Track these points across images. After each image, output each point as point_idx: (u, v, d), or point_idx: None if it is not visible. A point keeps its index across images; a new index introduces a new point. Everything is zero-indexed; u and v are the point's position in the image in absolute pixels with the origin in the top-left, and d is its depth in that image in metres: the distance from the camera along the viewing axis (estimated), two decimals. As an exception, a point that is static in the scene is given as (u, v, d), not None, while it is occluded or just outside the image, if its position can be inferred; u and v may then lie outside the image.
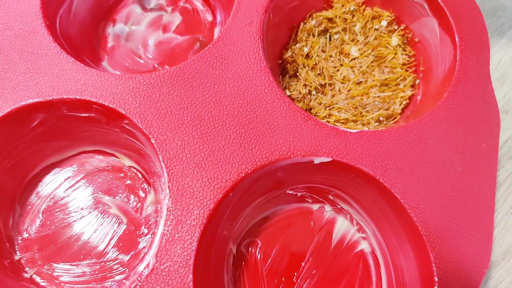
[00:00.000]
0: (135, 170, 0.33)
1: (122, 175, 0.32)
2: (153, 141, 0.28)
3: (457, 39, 0.31)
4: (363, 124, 0.33)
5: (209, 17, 0.37)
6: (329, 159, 0.28)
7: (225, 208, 0.28)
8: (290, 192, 0.31)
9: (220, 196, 0.26)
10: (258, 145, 0.28)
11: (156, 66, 0.35)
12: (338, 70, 0.34)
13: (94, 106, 0.29)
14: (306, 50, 0.35)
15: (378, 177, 0.27)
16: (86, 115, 0.30)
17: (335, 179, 0.29)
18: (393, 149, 0.28)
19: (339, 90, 0.34)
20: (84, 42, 0.34)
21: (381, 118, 0.33)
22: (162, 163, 0.27)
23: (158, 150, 0.28)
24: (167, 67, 0.29)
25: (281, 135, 0.28)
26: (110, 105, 0.28)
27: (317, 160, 0.28)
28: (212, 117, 0.28)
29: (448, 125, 0.29)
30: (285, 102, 0.29)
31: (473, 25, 0.31)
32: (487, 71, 0.30)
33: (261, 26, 0.31)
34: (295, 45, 0.35)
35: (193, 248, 0.25)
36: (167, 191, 0.27)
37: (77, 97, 0.29)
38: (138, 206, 0.32)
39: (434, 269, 0.26)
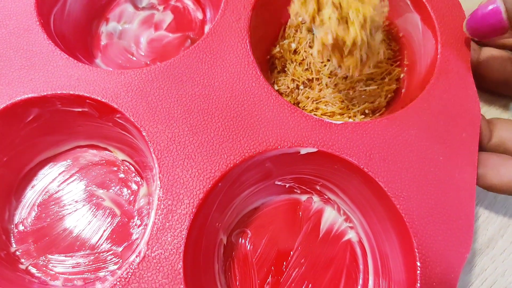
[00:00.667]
0: (128, 164, 0.33)
1: (115, 168, 0.33)
2: (144, 134, 0.29)
3: (438, 34, 0.32)
4: (349, 117, 0.34)
5: (199, 15, 0.38)
6: (314, 150, 0.29)
7: (215, 198, 0.28)
8: (279, 183, 0.32)
9: (210, 185, 0.27)
10: (246, 136, 0.29)
11: (148, 62, 0.36)
12: (325, 65, 0.35)
13: (87, 101, 0.30)
14: (293, 46, 0.36)
15: (362, 166, 0.28)
16: (80, 109, 0.31)
17: (321, 169, 0.30)
18: (377, 140, 0.29)
19: (326, 85, 0.35)
20: (77, 40, 0.35)
21: (366, 111, 0.34)
22: (153, 155, 0.28)
23: (149, 142, 0.28)
24: (158, 63, 0.30)
25: (268, 127, 0.29)
26: (103, 100, 0.29)
27: (303, 151, 0.29)
28: (201, 111, 0.29)
29: (430, 116, 0.30)
30: (272, 95, 0.30)
31: (454, 20, 0.32)
32: (468, 64, 0.31)
33: (249, 23, 0.32)
34: (283, 41, 0.36)
35: (183, 236, 0.26)
36: (158, 182, 0.27)
37: (71, 92, 0.30)
38: (131, 198, 0.32)
39: (417, 254, 0.27)
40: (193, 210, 0.27)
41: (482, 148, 0.31)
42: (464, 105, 0.30)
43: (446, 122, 0.30)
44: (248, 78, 0.30)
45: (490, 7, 0.27)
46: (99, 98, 0.29)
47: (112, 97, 0.29)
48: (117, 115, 0.30)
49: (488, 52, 0.34)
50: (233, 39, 0.31)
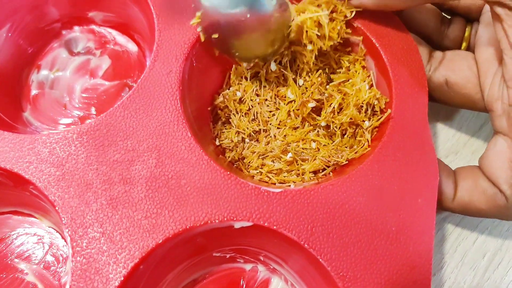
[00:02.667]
0: (54, 231, 0.30)
1: (40, 238, 0.30)
2: (57, 209, 0.25)
3: (392, 82, 0.29)
4: (297, 175, 0.30)
5: (139, 60, 0.35)
6: (249, 224, 0.25)
7: (137, 281, 0.25)
8: (217, 254, 0.29)
9: (129, 269, 0.24)
10: (172, 210, 0.25)
11: (82, 115, 0.33)
12: (273, 115, 0.32)
13: (-3, 170, 0.27)
14: (239, 94, 0.32)
15: (303, 242, 0.25)
16: (-8, 178, 0.28)
17: (261, 242, 0.27)
18: (320, 210, 0.26)
19: (275, 136, 0.32)
20: (1, 93, 0.32)
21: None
22: (66, 234, 0.25)
23: (63, 219, 0.25)
24: (76, 126, 0.27)
25: (198, 198, 0.26)
26: (14, 170, 0.26)
27: (237, 225, 0.26)
28: (122, 180, 0.26)
29: (382, 180, 0.26)
30: (203, 160, 0.27)
31: (410, 66, 0.29)
32: (425, 116, 0.28)
33: (181, 75, 0.29)
34: (227, 89, 0.33)
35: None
36: (70, 266, 0.24)
37: (-23, 161, 0.27)
38: (58, 271, 0.29)
39: None
40: (108, 300, 0.24)
41: (445, 209, 0.28)
42: (420, 165, 0.27)
43: (400, 187, 0.26)
44: (177, 141, 0.27)
45: None
46: (8, 168, 0.26)
47: (23, 167, 0.26)
48: (30, 186, 0.27)
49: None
50: (163, 95, 0.28)
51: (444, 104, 0.31)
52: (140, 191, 0.26)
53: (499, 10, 0.25)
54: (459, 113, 0.34)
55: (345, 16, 0.30)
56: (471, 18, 0.31)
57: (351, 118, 0.29)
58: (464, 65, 0.29)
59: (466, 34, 0.31)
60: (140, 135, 0.27)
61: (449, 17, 0.32)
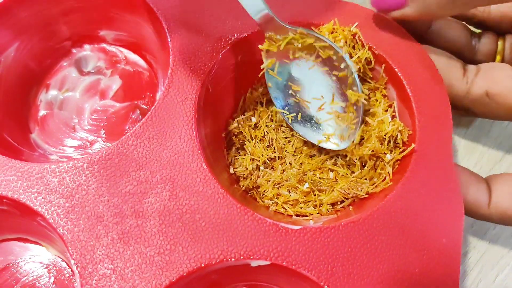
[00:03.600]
0: (60, 261, 0.29)
1: (46, 266, 0.29)
2: (66, 243, 0.24)
3: (416, 115, 0.28)
4: (315, 206, 0.29)
5: (151, 81, 0.34)
6: (267, 263, 0.24)
7: (148, 321, 0.24)
8: (231, 289, 0.28)
9: (141, 310, 0.23)
10: (187, 246, 0.24)
11: (91, 138, 0.32)
12: (289, 141, 0.31)
13: (4, 200, 0.26)
14: (254, 120, 0.31)
15: (323, 283, 0.24)
16: (-1, 207, 0.27)
17: (278, 279, 0.26)
18: (341, 249, 0.25)
19: (290, 164, 0.31)
20: (8, 114, 0.31)
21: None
22: (76, 271, 0.24)
23: (72, 253, 0.24)
24: (87, 156, 0.26)
25: (213, 234, 0.25)
26: (22, 200, 0.25)
27: (254, 264, 0.25)
28: (135, 213, 0.25)
29: (404, 218, 0.25)
30: (219, 193, 0.25)
31: (434, 97, 0.28)
32: (450, 150, 0.27)
33: (197, 103, 0.28)
34: (242, 114, 0.32)
35: None
36: (79, 306, 0.23)
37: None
38: (64, 303, 0.28)
39: None
40: None
41: (480, 217, 0.27)
42: (445, 202, 0.26)
43: (423, 225, 0.25)
44: (192, 172, 0.26)
45: None
46: (15, 198, 0.25)
47: (31, 197, 0.25)
48: (38, 218, 0.26)
49: (441, 21, 0.31)
50: (177, 123, 0.27)
51: (486, 118, 0.30)
52: (153, 225, 0.25)
53: None
54: (480, 143, 0.33)
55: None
56: (502, 30, 0.30)
57: (372, 151, 0.28)
58: (504, 75, 0.28)
59: (500, 47, 0.30)
60: (153, 166, 0.26)
61: (478, 31, 0.31)
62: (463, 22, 0.31)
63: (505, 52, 0.30)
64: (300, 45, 0.28)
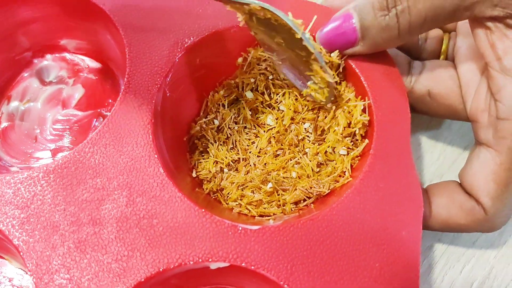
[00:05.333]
0: (23, 273, 0.29)
1: (10, 280, 0.29)
2: (22, 254, 0.24)
3: (373, 109, 0.28)
4: (278, 206, 0.29)
5: (114, 88, 0.34)
6: (226, 264, 0.24)
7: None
8: (195, 294, 0.27)
9: (98, 318, 0.23)
10: (144, 252, 0.24)
11: (54, 147, 0.32)
12: (253, 143, 0.31)
13: (-41, 213, 0.25)
14: (216, 122, 0.31)
15: (282, 282, 0.24)
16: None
17: (239, 280, 0.26)
18: (300, 247, 0.24)
19: (254, 165, 0.30)
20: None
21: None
22: (32, 282, 0.24)
23: (27, 265, 0.24)
24: (42, 165, 0.26)
25: (171, 238, 0.24)
26: (-24, 212, 0.25)
27: (213, 266, 0.24)
28: (92, 220, 0.25)
29: (364, 213, 0.25)
30: (177, 197, 0.25)
31: (392, 92, 0.28)
32: (408, 145, 0.27)
33: (154, 108, 0.27)
34: (205, 117, 0.32)
35: None
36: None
37: None
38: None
39: None
40: None
41: (424, 227, 0.27)
42: (404, 196, 0.26)
43: (383, 219, 0.25)
44: (149, 177, 0.26)
45: (344, 19, 0.27)
46: (-30, 211, 0.25)
47: (-14, 210, 0.25)
48: (-6, 230, 0.25)
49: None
50: (133, 130, 0.27)
51: (426, 115, 0.30)
52: (110, 232, 0.25)
53: (488, 22, 0.24)
54: (443, 136, 0.33)
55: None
56: (447, 29, 0.31)
57: (333, 147, 0.28)
58: (446, 76, 0.28)
59: (444, 46, 0.31)
60: (110, 172, 0.26)
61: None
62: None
63: (448, 51, 0.31)
64: (262, 14, 0.27)
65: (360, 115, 0.28)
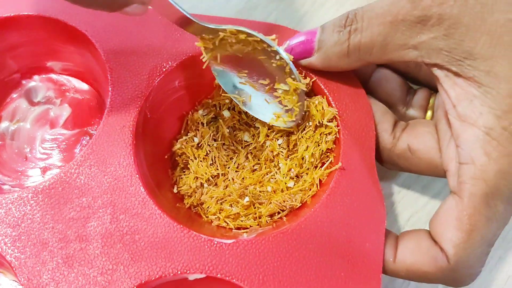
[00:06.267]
0: (17, 285, 0.31)
1: (3, 292, 0.31)
2: (14, 270, 0.26)
3: (340, 127, 0.30)
4: (255, 218, 0.31)
5: (100, 107, 0.36)
6: (203, 276, 0.26)
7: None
8: (176, 303, 0.30)
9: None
10: (128, 265, 0.26)
11: (43, 165, 0.34)
12: (231, 158, 0.33)
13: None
14: (196, 140, 0.33)
15: (255, 291, 0.26)
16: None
17: (217, 290, 0.28)
18: (271, 259, 0.27)
19: (233, 179, 0.32)
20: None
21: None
22: (23, 295, 0.26)
23: (20, 279, 0.26)
24: (30, 187, 0.28)
25: (152, 252, 0.26)
26: (-31, 231, 0.27)
27: (191, 277, 0.26)
28: (78, 237, 0.27)
29: (330, 227, 0.27)
30: (156, 214, 0.27)
31: (358, 110, 0.30)
32: (372, 161, 0.29)
33: (135, 129, 0.29)
34: (186, 135, 0.34)
35: None
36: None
37: None
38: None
39: None
40: None
41: (388, 273, 0.28)
42: (367, 210, 0.28)
43: (348, 232, 0.27)
44: (131, 196, 0.28)
45: (310, 33, 0.29)
46: (-36, 230, 0.27)
47: (-21, 229, 0.27)
48: (-13, 247, 0.27)
49: (382, 73, 0.32)
50: (116, 151, 0.29)
51: (409, 172, 0.31)
52: (95, 247, 0.27)
53: (438, 72, 0.26)
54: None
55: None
56: (434, 88, 0.31)
57: (303, 158, 0.30)
58: (425, 132, 0.29)
59: (431, 103, 0.32)
60: (95, 192, 0.28)
61: (416, 87, 0.33)
62: (402, 78, 0.33)
63: (434, 108, 0.31)
64: (234, 40, 0.29)
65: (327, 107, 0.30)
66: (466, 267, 0.25)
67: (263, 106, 0.31)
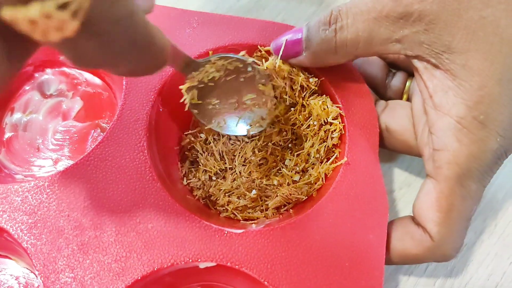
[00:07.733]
0: (29, 272, 0.31)
1: (16, 278, 0.31)
2: (30, 256, 0.27)
3: (346, 123, 0.31)
4: (261, 211, 0.32)
5: (110, 101, 0.36)
6: (213, 264, 0.27)
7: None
8: (186, 290, 0.31)
9: (99, 313, 0.26)
10: (141, 253, 0.27)
11: (55, 157, 0.35)
12: (239, 153, 0.34)
13: (-28, 218, 0.28)
14: (203, 136, 0.34)
15: (263, 279, 0.27)
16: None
17: (226, 279, 0.29)
18: (279, 248, 0.28)
19: (240, 173, 0.33)
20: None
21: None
22: (40, 280, 0.26)
23: (35, 265, 0.27)
24: (48, 175, 0.28)
25: (165, 240, 0.27)
26: (-13, 218, 0.28)
27: (202, 265, 0.27)
28: (93, 225, 0.28)
29: (336, 219, 0.29)
30: (169, 204, 0.28)
31: (362, 107, 0.32)
32: (376, 157, 0.30)
33: (148, 122, 0.30)
34: (193, 130, 0.35)
35: None
36: (43, 312, 0.26)
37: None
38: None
39: None
40: None
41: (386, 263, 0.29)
42: (371, 203, 0.29)
43: (353, 224, 0.29)
44: (145, 186, 0.29)
45: (295, 32, 0.30)
46: (-18, 217, 0.28)
47: (-3, 216, 0.28)
48: (5, 234, 0.28)
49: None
50: (130, 143, 0.30)
51: (387, 149, 0.33)
52: (110, 235, 0.28)
53: (417, 63, 0.27)
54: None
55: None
56: (412, 72, 0.33)
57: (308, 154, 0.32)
58: (403, 114, 0.31)
59: (406, 87, 0.34)
60: (110, 182, 0.29)
61: (394, 71, 0.35)
62: (383, 62, 0.34)
63: (410, 91, 0.33)
64: (214, 70, 0.30)
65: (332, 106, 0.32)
66: (450, 242, 0.27)
67: (237, 122, 0.32)
